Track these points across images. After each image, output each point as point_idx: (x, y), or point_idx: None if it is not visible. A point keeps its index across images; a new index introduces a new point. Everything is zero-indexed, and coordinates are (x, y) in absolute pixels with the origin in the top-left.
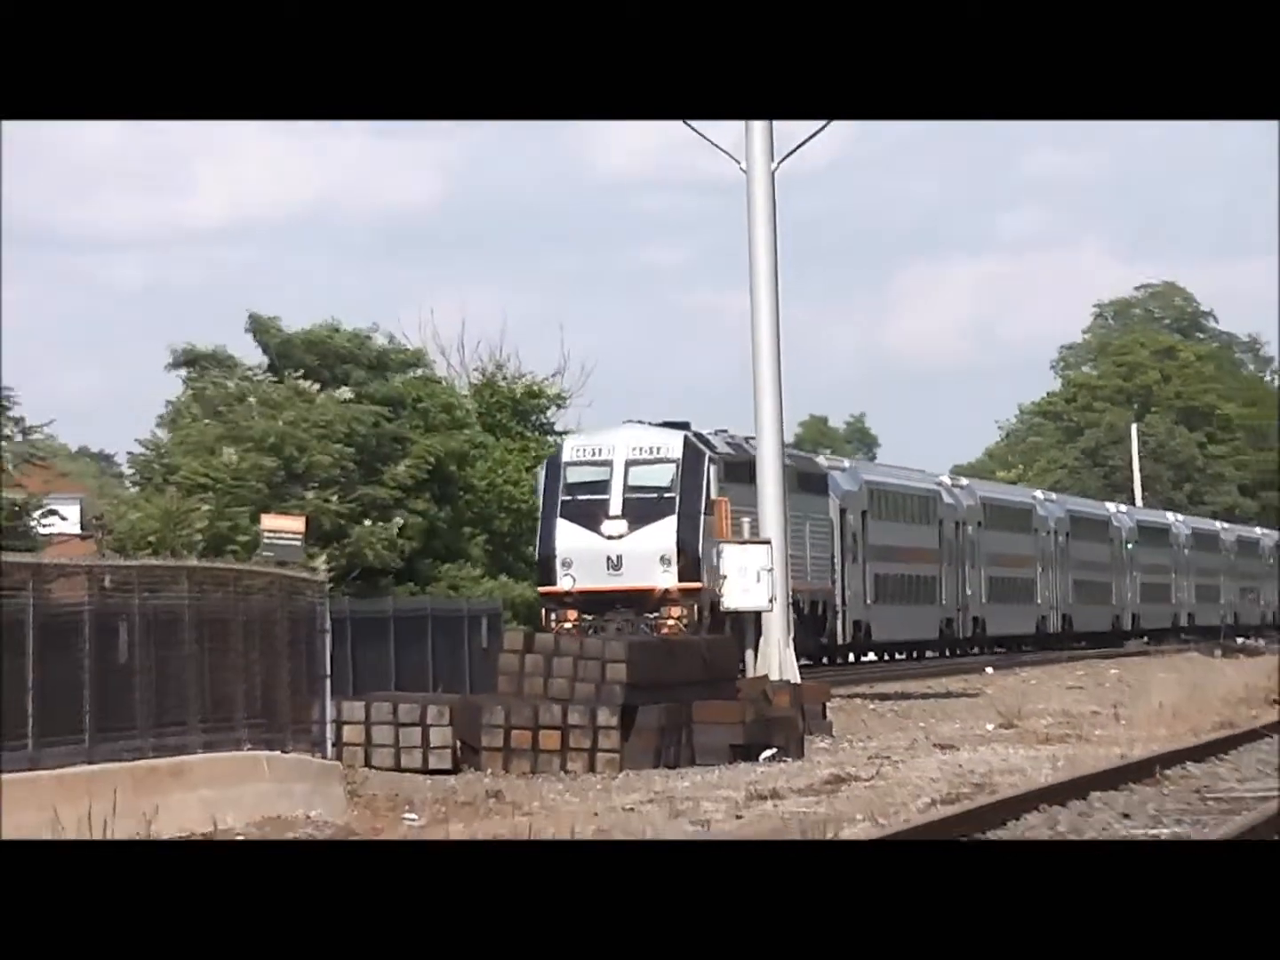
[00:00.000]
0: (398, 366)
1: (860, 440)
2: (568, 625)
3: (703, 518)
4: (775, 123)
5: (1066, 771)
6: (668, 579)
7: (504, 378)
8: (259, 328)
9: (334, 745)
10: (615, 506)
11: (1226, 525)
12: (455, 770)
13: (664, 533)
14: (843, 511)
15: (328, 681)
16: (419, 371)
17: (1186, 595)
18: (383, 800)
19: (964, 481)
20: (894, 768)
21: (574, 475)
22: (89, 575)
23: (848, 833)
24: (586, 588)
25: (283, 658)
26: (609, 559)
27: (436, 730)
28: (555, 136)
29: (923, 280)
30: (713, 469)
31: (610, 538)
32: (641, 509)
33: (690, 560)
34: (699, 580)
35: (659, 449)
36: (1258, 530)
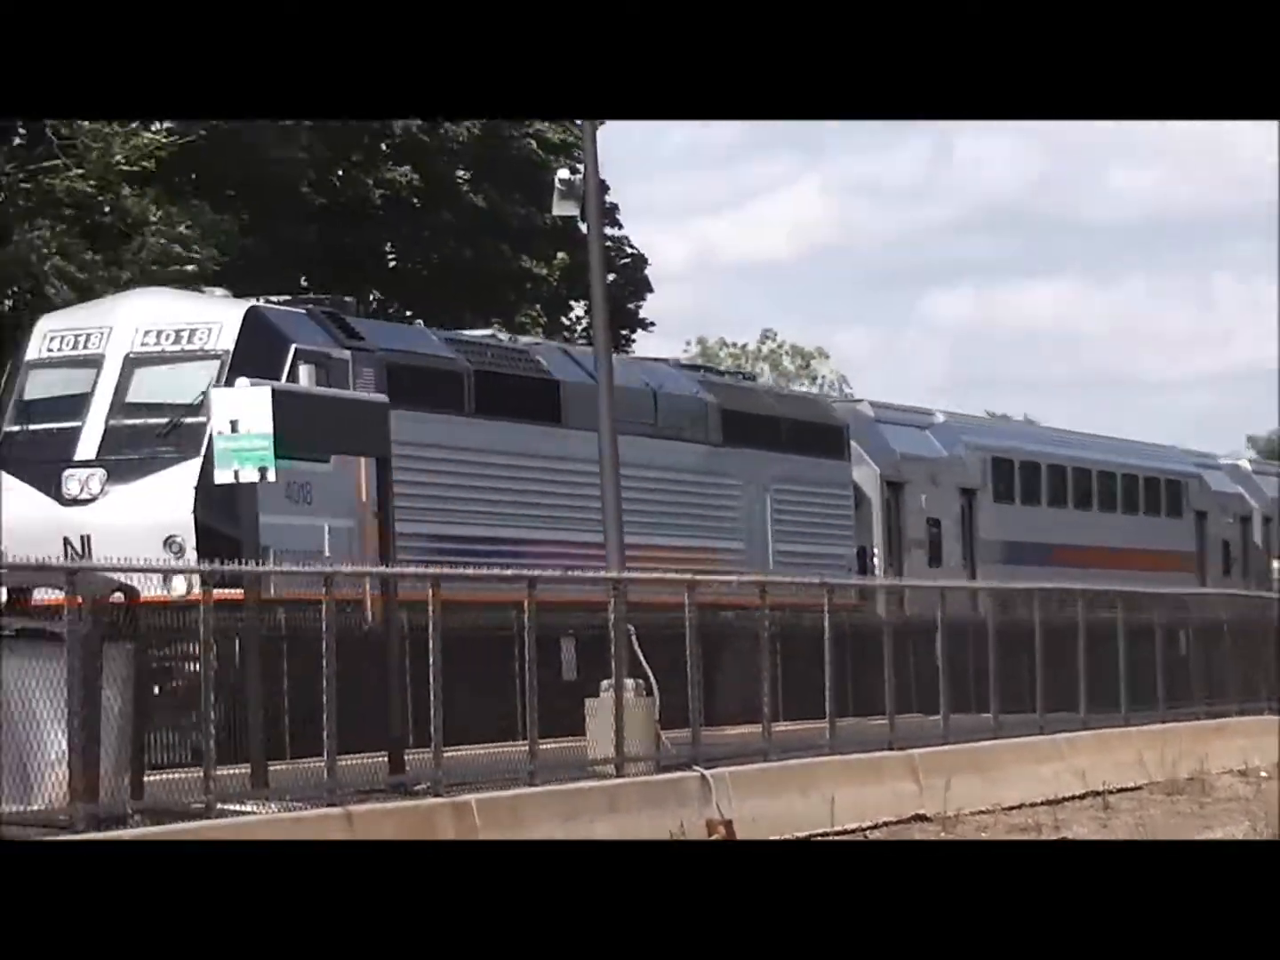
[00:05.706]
0: None
1: None
2: None
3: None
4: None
5: None
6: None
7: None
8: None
9: None
10: (89, 444)
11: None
12: None
13: (170, 492)
14: None
15: None
16: None
17: None
18: None
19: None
20: None
21: (38, 385)
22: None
23: None
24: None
25: None
26: (69, 544)
27: None
28: None
29: None
30: (306, 370)
31: (74, 502)
32: (136, 448)
33: (225, 541)
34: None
35: (192, 333)
36: None
